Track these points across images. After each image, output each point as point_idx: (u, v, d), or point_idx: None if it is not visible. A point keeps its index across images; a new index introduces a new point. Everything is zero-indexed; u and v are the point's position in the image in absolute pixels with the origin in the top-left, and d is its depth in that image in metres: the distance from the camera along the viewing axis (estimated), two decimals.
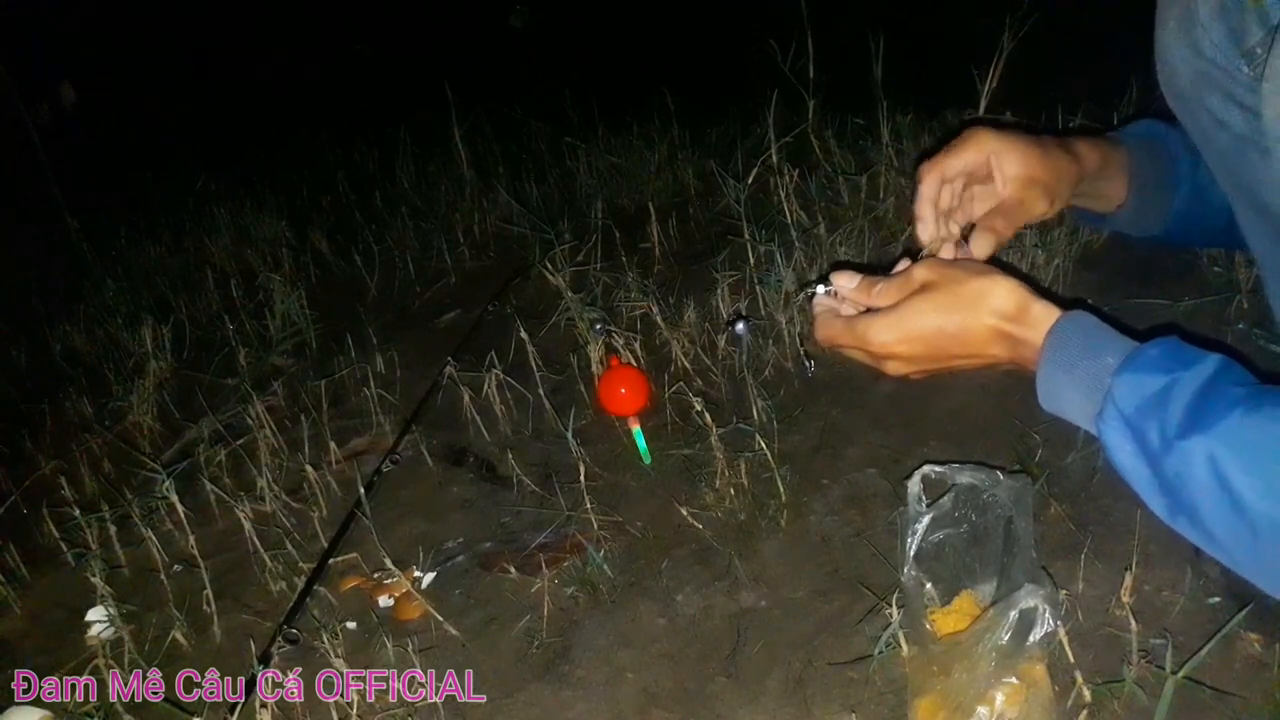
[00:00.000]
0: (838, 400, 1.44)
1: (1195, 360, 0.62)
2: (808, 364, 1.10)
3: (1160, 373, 0.62)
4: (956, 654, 0.85)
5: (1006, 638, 0.81)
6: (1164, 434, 0.60)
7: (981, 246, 0.83)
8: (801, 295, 0.86)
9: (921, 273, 0.76)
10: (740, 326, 1.17)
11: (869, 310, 0.79)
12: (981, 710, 0.83)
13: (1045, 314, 0.70)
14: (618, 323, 1.68)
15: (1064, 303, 0.72)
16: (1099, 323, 0.68)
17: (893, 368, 0.77)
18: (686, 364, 1.58)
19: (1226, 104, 0.81)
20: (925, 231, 0.86)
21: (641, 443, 1.38)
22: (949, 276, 0.75)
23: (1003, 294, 0.72)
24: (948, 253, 0.83)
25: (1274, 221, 0.75)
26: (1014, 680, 0.83)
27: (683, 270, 1.97)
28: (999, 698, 0.83)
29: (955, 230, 0.87)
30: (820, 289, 0.83)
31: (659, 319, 1.62)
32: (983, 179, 0.87)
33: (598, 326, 1.59)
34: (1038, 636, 0.81)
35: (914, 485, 0.96)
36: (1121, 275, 1.52)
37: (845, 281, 0.82)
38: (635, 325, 1.68)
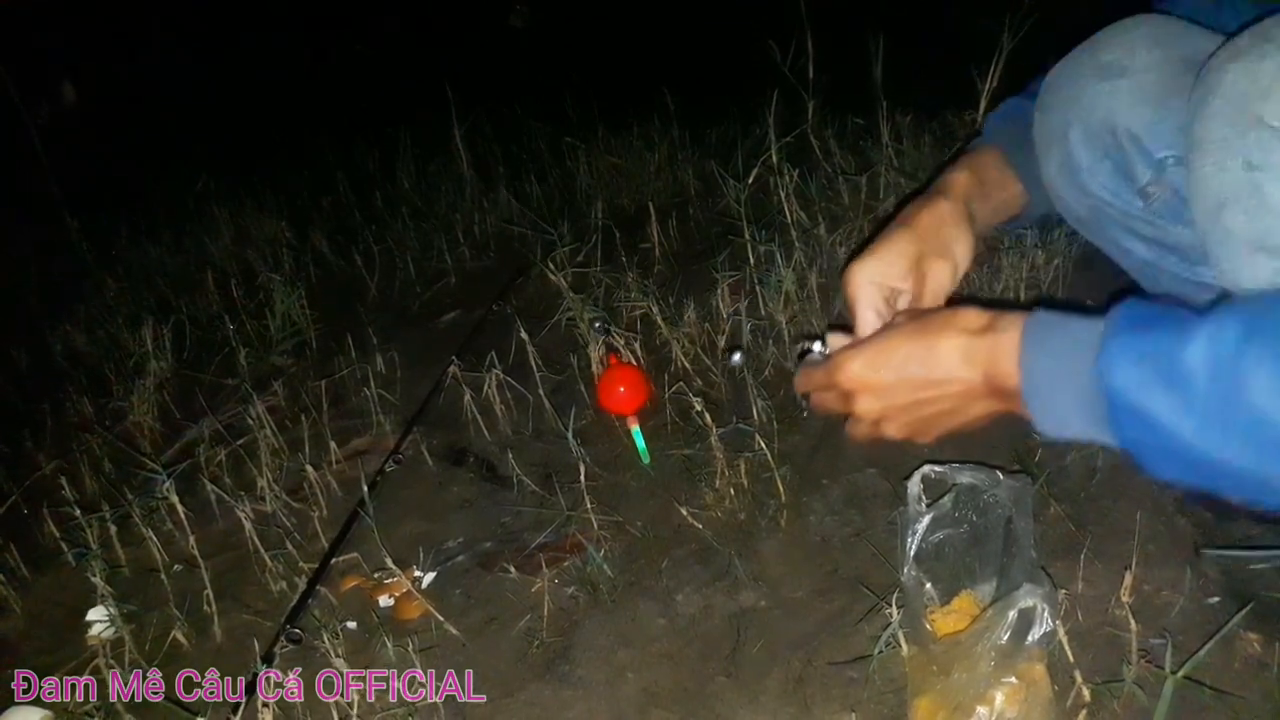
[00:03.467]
0: None
1: (1189, 320, 0.58)
2: (803, 403, 1.09)
3: (1154, 303, 0.60)
4: (956, 654, 0.85)
5: (1006, 637, 0.81)
6: (1190, 347, 0.55)
7: None
8: (799, 354, 0.85)
9: (899, 318, 0.77)
10: (736, 358, 1.18)
11: None
12: (981, 710, 0.83)
13: (1015, 316, 0.67)
14: (618, 322, 1.69)
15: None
16: (1073, 315, 0.65)
17: (865, 405, 0.75)
18: (686, 364, 1.58)
19: (1128, 235, 0.86)
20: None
21: (641, 443, 1.38)
22: (921, 313, 0.75)
23: (970, 312, 0.70)
24: None
25: None
26: (1013, 680, 0.83)
27: (683, 270, 1.97)
28: (998, 697, 0.83)
29: None
30: (816, 348, 0.83)
31: (659, 319, 1.62)
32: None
33: (597, 325, 1.59)
34: (1036, 636, 0.81)
35: (914, 485, 0.96)
36: (1123, 275, 1.52)
37: (838, 341, 0.81)
38: (635, 325, 1.68)
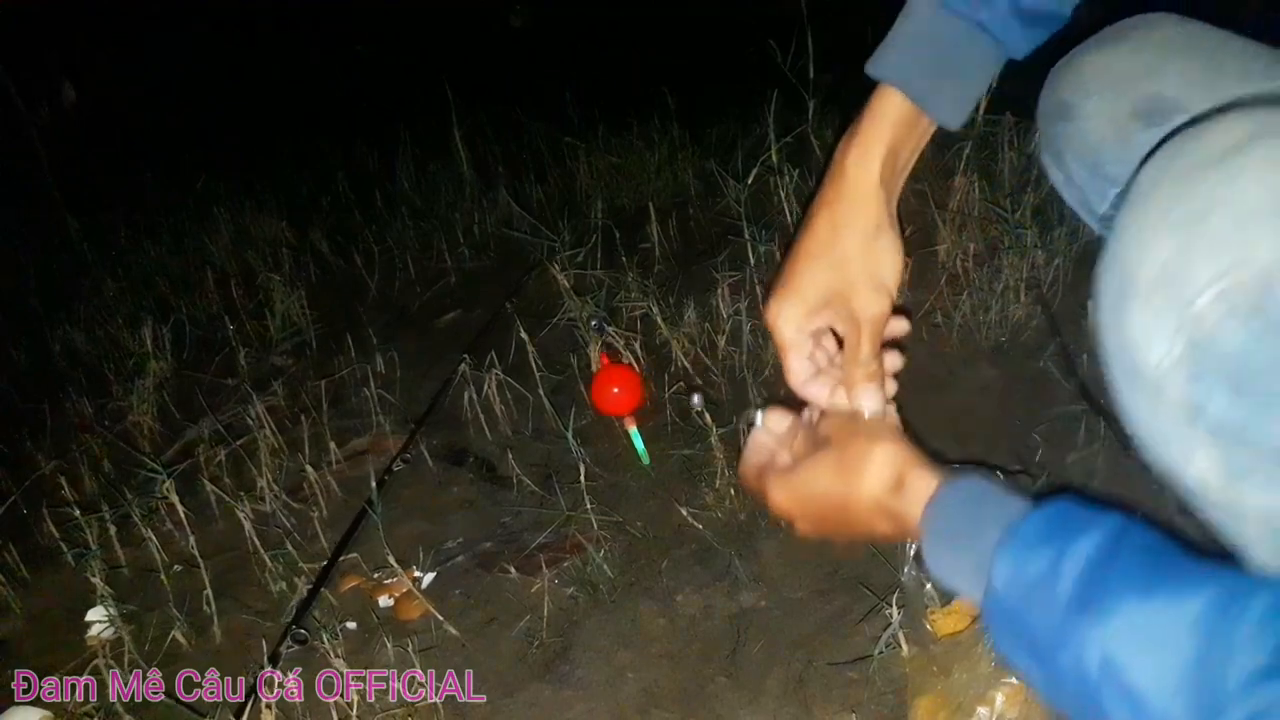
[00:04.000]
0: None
1: (1084, 528, 0.53)
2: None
3: (1044, 546, 0.54)
4: (956, 654, 0.85)
5: None
6: (1050, 626, 0.52)
7: (867, 400, 0.75)
8: (746, 424, 0.84)
9: (823, 427, 0.73)
10: (696, 399, 1.20)
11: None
12: (982, 710, 0.83)
13: (922, 487, 0.64)
14: (618, 322, 1.68)
15: (948, 465, 0.67)
16: (983, 488, 0.62)
17: (798, 524, 0.73)
18: (686, 364, 1.58)
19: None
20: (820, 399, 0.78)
21: (639, 443, 1.38)
22: (840, 438, 0.71)
23: (877, 467, 0.66)
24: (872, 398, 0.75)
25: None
26: (1014, 680, 0.83)
27: (683, 270, 1.97)
28: (999, 698, 0.83)
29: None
30: (758, 418, 0.81)
31: (659, 319, 1.62)
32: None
33: (594, 323, 1.59)
34: None
35: None
36: None
37: (775, 424, 0.79)
38: (635, 325, 1.68)
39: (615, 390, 1.39)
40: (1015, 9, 0.70)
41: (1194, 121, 0.57)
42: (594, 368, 1.58)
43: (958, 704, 0.84)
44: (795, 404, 0.80)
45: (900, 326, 0.78)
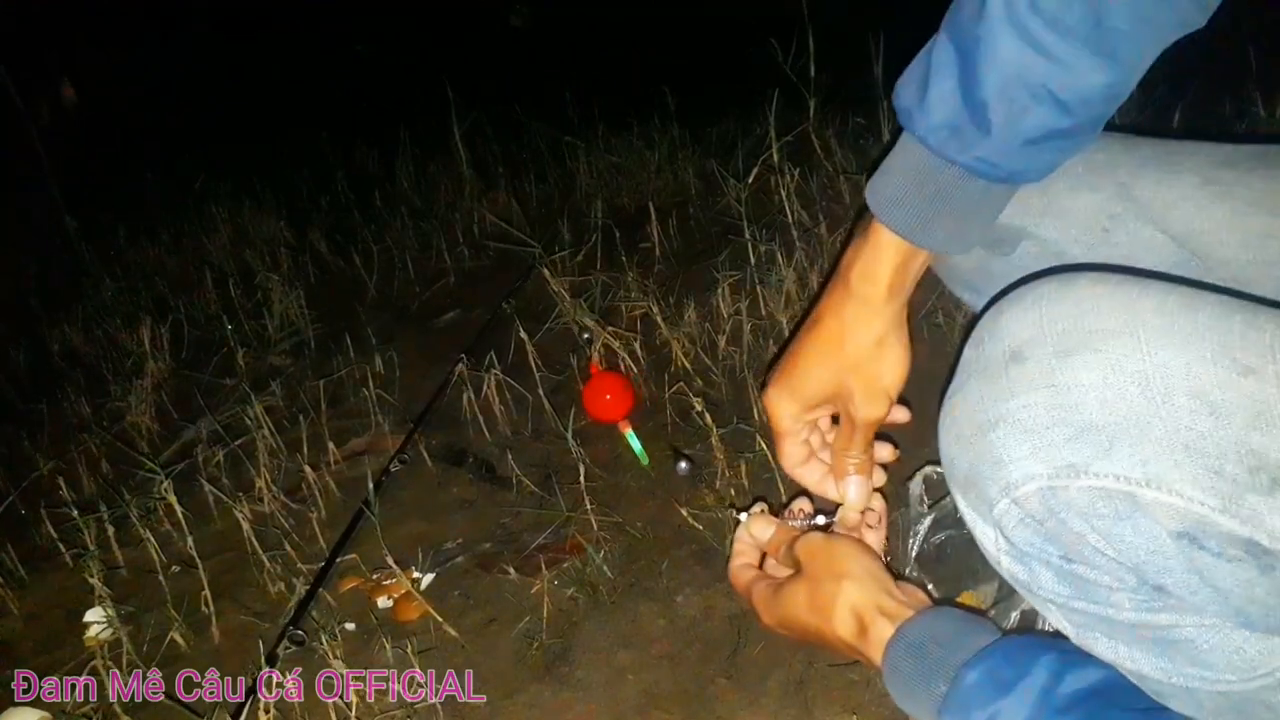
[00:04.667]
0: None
1: (1016, 680, 0.57)
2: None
3: (979, 708, 0.58)
4: None
5: None
6: None
7: (852, 491, 0.79)
8: (734, 516, 0.88)
9: (800, 551, 0.76)
10: (683, 465, 1.22)
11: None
12: None
13: (881, 633, 0.67)
14: (617, 323, 1.68)
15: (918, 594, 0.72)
16: (931, 634, 0.65)
17: (767, 623, 0.78)
18: (686, 364, 1.58)
19: None
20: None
21: (636, 445, 1.37)
22: (812, 571, 0.74)
23: (843, 613, 0.70)
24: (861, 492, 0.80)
25: None
26: None
27: (683, 270, 1.97)
28: None
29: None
30: (743, 518, 0.86)
31: (659, 319, 1.62)
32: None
33: (585, 336, 1.59)
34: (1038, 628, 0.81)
35: (915, 486, 0.96)
36: None
37: (759, 532, 0.83)
38: (635, 325, 1.67)
39: (608, 397, 1.39)
40: (1018, 137, 0.63)
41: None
42: (587, 376, 1.58)
43: None
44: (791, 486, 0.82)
45: (901, 415, 0.81)
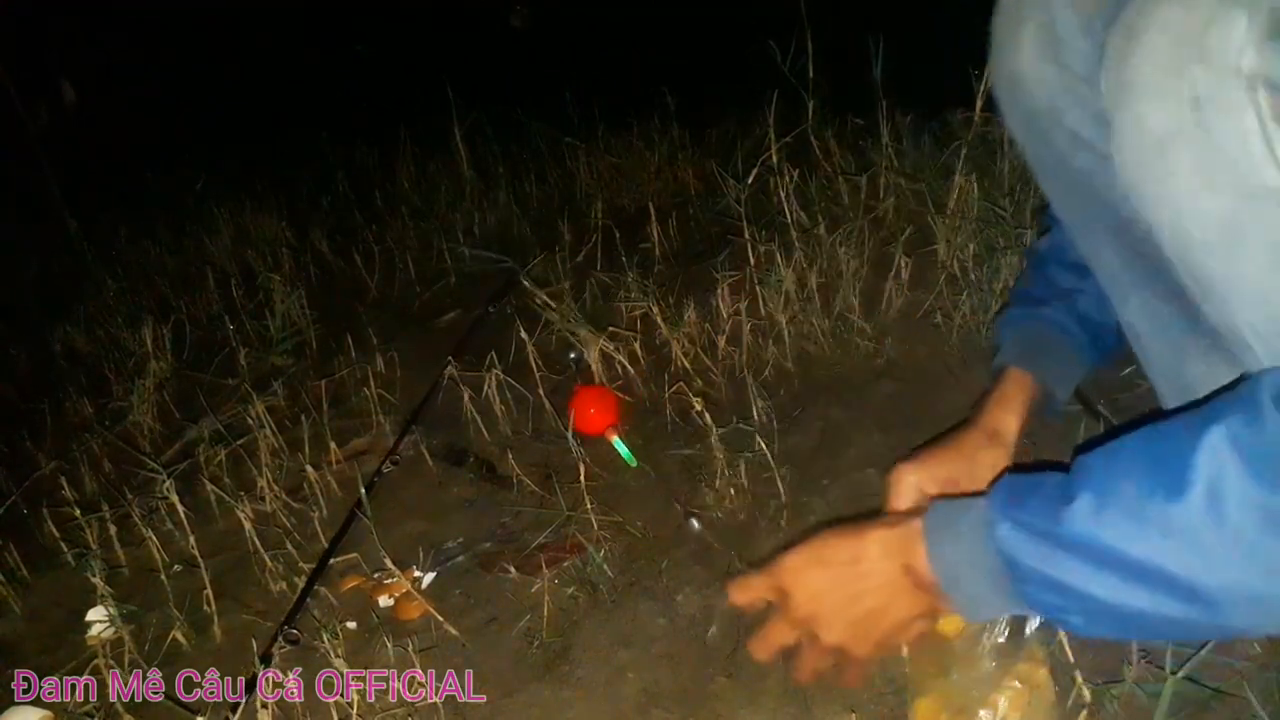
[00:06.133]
0: (838, 400, 1.44)
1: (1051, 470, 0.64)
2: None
3: (1021, 481, 0.65)
4: (957, 655, 0.85)
5: (1004, 635, 0.81)
6: (1049, 513, 0.60)
7: None
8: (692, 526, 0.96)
9: (784, 566, 0.80)
10: (694, 524, 1.24)
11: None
12: (984, 713, 0.83)
13: (918, 517, 0.72)
14: (617, 322, 1.68)
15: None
16: (953, 499, 0.71)
17: (800, 607, 0.78)
18: (686, 364, 1.58)
19: (1090, 120, 0.78)
20: None
21: (623, 450, 1.38)
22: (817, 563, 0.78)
23: (896, 513, 0.80)
24: None
25: (1131, 240, 0.74)
26: (1017, 685, 0.83)
27: (683, 270, 1.97)
28: (1002, 701, 0.83)
29: None
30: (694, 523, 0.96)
31: (659, 319, 1.62)
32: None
33: (573, 356, 1.59)
34: (1033, 629, 0.82)
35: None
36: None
37: (741, 598, 0.85)
38: (635, 325, 1.68)
39: (591, 410, 1.41)
40: (1076, 318, 0.95)
41: None
42: (594, 367, 1.59)
43: (959, 705, 0.84)
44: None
45: None
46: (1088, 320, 0.96)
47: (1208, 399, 0.58)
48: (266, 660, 1.11)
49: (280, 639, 1.15)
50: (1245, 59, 0.52)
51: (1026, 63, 0.79)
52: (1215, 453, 0.52)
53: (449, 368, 1.63)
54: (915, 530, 0.70)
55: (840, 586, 0.75)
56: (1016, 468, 0.73)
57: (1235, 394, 0.54)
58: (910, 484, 0.89)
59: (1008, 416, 0.93)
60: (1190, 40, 0.55)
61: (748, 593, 0.83)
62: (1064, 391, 0.97)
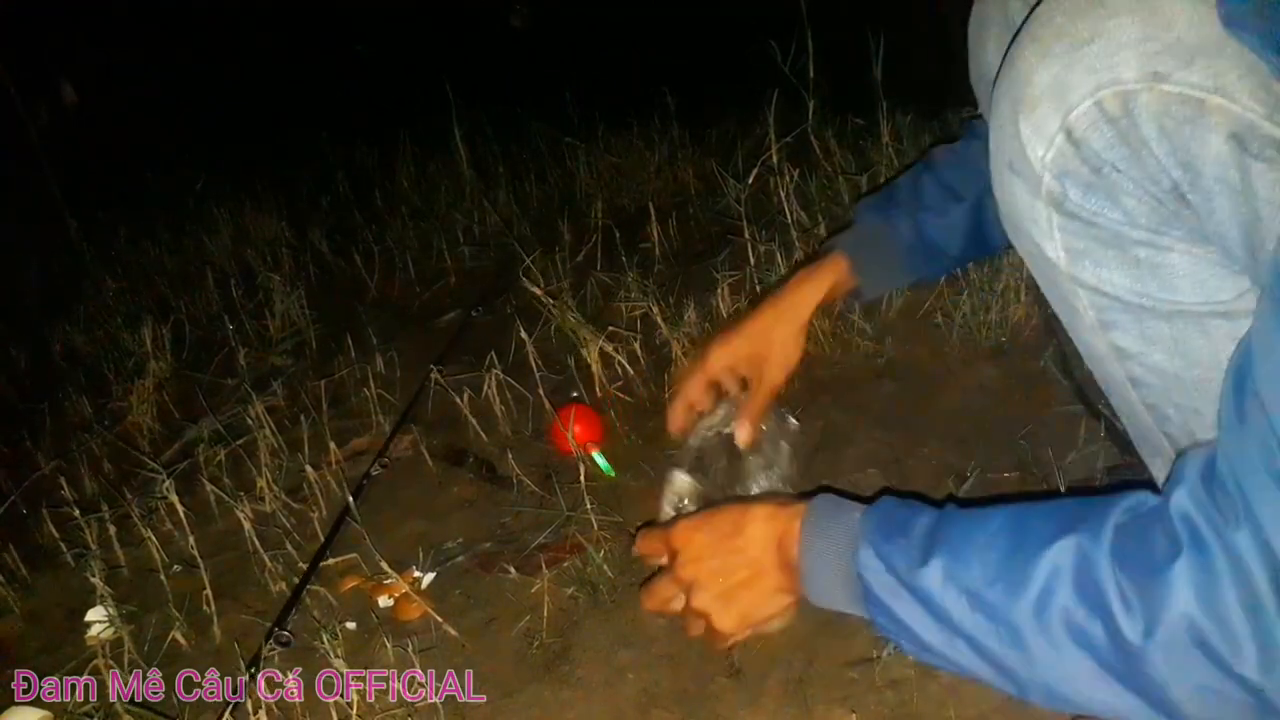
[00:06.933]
0: (838, 400, 1.44)
1: (924, 507, 0.71)
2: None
3: (899, 512, 0.71)
4: None
5: None
6: (909, 560, 0.66)
7: (741, 432, 1.06)
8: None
9: (677, 530, 0.86)
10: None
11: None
12: None
13: (806, 503, 0.77)
14: (617, 322, 1.68)
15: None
16: (842, 499, 0.76)
17: (684, 570, 0.83)
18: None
19: None
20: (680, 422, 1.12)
21: (603, 462, 1.38)
22: (702, 526, 0.84)
23: (773, 496, 0.86)
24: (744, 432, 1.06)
25: None
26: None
27: (683, 270, 1.97)
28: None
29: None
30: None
31: (659, 319, 1.62)
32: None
33: (575, 396, 1.59)
34: None
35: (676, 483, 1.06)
36: None
37: (648, 547, 0.91)
38: (635, 325, 1.68)
39: (577, 429, 1.40)
40: (917, 234, 1.04)
41: None
42: (594, 367, 1.58)
43: None
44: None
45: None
46: (927, 240, 1.03)
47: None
48: (255, 663, 1.11)
49: (271, 642, 1.15)
50: (1045, 180, 0.65)
51: (991, 65, 0.83)
52: (1055, 562, 0.59)
53: (433, 372, 1.63)
54: (795, 515, 0.76)
55: (718, 554, 0.80)
56: (895, 492, 0.77)
57: (1091, 506, 0.61)
58: (722, 365, 1.07)
59: (807, 293, 1.05)
60: (1011, 138, 0.66)
61: (647, 546, 0.90)
62: (871, 291, 1.08)
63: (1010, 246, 0.77)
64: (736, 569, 0.79)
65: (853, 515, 0.72)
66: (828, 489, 0.79)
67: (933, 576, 0.64)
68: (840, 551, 0.71)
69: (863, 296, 1.09)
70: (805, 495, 0.78)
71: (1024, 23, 0.66)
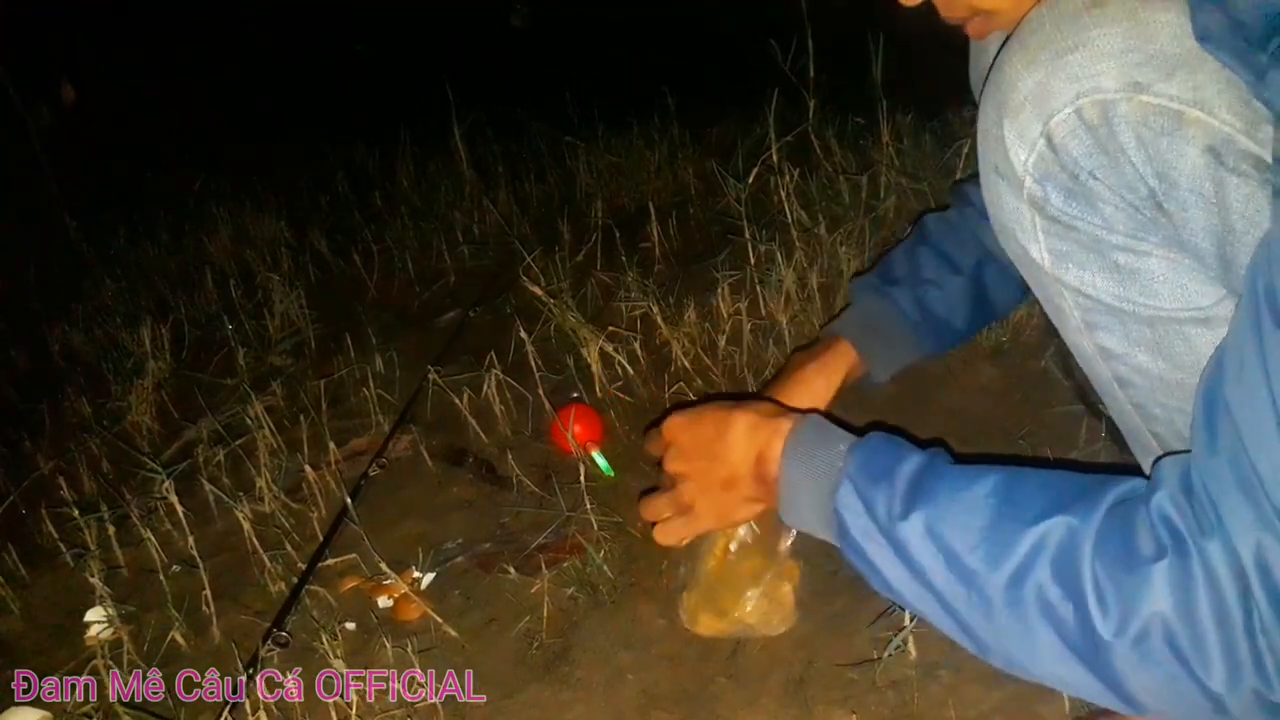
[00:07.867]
0: (838, 400, 1.44)
1: (912, 448, 0.71)
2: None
3: (886, 453, 0.71)
4: (725, 563, 1.00)
5: (759, 554, 0.97)
6: (890, 508, 0.66)
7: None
8: None
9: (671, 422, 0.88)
10: None
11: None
12: (735, 613, 1.01)
13: (799, 416, 0.78)
14: (617, 322, 1.68)
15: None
16: (829, 424, 0.77)
17: (673, 462, 0.87)
18: (687, 364, 1.58)
19: None
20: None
21: (602, 462, 1.38)
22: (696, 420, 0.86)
23: (764, 402, 0.85)
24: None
25: None
26: (758, 594, 1.00)
27: (683, 270, 1.97)
28: (748, 606, 1.00)
29: None
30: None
31: (659, 319, 1.62)
32: None
33: (575, 396, 1.59)
34: (786, 546, 0.97)
35: None
36: None
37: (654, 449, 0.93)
38: (635, 325, 1.67)
39: (577, 429, 1.40)
40: (921, 310, 1.02)
41: None
42: (594, 367, 1.58)
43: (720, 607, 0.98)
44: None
45: None
46: (931, 314, 1.02)
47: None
48: (253, 664, 1.11)
49: (270, 642, 1.15)
50: (1027, 183, 0.65)
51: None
52: (1040, 538, 0.59)
53: (433, 372, 1.63)
54: (777, 432, 0.77)
55: (702, 455, 0.83)
56: (889, 428, 0.77)
57: (1085, 486, 0.62)
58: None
59: (819, 387, 1.02)
60: (997, 142, 0.67)
61: (653, 445, 0.93)
62: (882, 374, 1.05)
63: (1016, 307, 0.78)
64: (717, 470, 0.82)
65: (838, 448, 0.73)
66: None
67: (913, 529, 0.64)
68: (820, 483, 0.72)
69: (872, 381, 1.06)
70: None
71: (1015, 29, 0.67)
